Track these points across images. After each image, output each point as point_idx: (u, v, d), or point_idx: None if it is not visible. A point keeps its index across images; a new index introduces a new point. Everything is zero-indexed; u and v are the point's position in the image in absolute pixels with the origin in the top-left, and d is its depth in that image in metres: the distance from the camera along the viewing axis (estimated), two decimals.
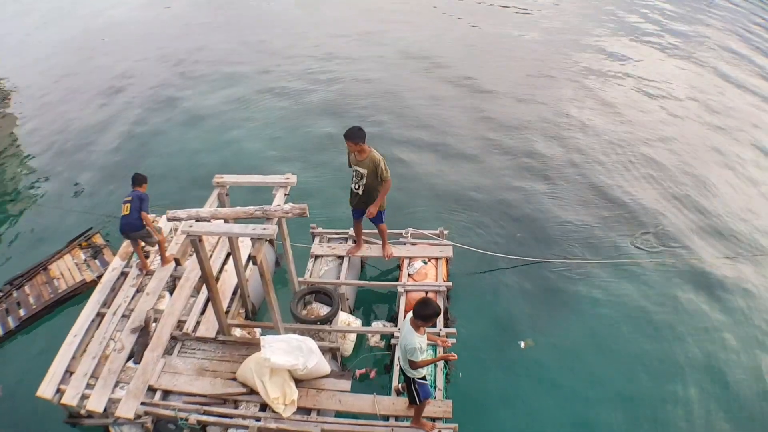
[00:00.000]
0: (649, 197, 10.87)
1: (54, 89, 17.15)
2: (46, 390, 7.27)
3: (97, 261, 9.75)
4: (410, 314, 5.67)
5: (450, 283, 8.28)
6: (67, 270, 9.65)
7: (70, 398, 7.15)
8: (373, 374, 7.56)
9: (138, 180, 8.59)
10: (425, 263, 8.54)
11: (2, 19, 23.28)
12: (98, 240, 10.20)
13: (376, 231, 8.56)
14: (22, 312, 9.03)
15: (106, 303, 8.47)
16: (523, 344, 8.17)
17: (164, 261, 8.93)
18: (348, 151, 7.84)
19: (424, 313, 5.53)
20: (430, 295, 8.03)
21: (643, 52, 16.87)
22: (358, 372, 7.53)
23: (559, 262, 9.43)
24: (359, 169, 7.77)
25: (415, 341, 5.60)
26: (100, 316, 8.29)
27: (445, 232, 8.95)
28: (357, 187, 7.99)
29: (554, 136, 12.84)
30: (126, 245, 9.16)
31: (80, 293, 9.23)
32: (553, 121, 13.41)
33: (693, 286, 9.05)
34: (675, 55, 16.63)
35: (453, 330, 7.61)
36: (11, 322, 8.89)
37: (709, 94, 14.54)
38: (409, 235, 8.99)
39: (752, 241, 9.91)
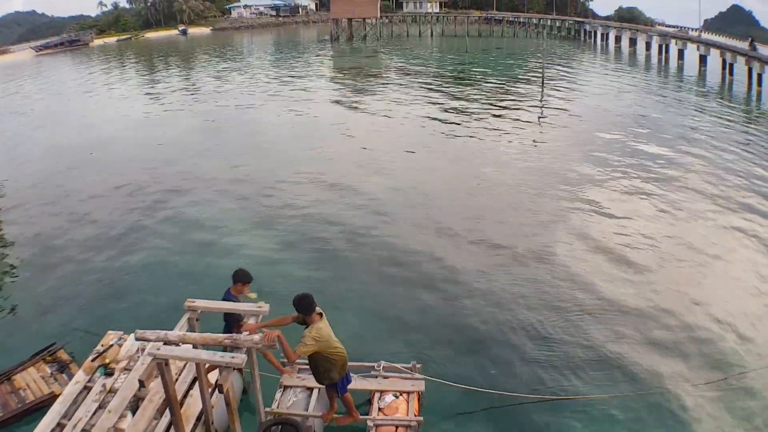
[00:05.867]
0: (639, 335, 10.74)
1: (39, 195, 17.58)
2: None
3: (64, 375, 9.52)
4: None
5: (421, 418, 8.07)
6: (33, 382, 9.44)
7: None
8: None
9: (233, 277, 8.14)
10: (396, 397, 8.37)
11: None
12: (63, 356, 9.99)
13: None
14: None
15: (67, 415, 8.21)
16: None
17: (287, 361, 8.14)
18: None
19: None
20: (400, 431, 7.83)
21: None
22: None
23: (537, 397, 9.14)
24: None
25: None
26: (61, 426, 8.04)
27: (418, 365, 8.84)
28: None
29: (538, 274, 12.91)
30: (89, 360, 8.97)
31: (48, 405, 8.83)
32: (538, 255, 13.64)
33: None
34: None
35: None
36: None
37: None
38: (381, 368, 8.86)
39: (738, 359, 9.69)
